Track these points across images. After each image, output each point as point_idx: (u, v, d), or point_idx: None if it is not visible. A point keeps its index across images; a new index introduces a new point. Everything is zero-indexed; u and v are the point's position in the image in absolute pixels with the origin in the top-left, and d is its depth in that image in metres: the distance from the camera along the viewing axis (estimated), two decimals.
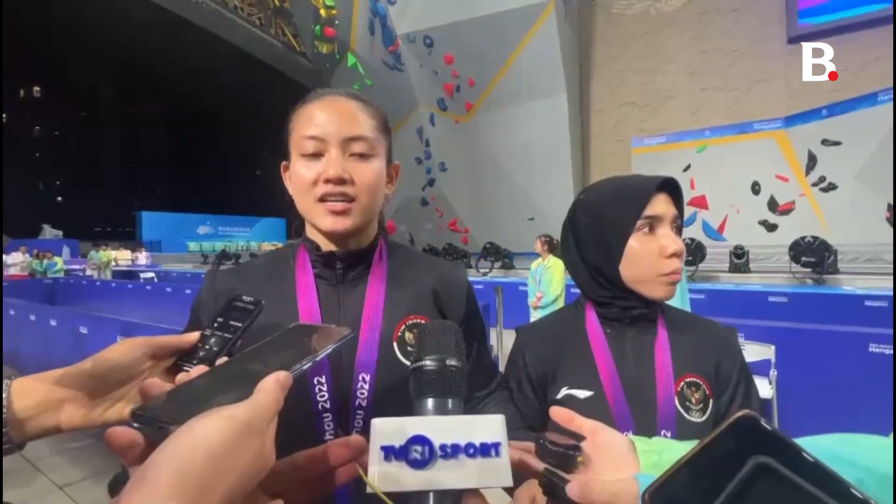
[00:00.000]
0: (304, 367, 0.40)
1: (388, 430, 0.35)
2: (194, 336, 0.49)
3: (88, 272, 13.86)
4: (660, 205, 0.74)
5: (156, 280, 11.87)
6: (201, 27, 18.53)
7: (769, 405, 2.78)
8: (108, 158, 41.39)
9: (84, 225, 32.73)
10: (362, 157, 0.69)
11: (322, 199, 0.68)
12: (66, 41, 35.49)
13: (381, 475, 0.33)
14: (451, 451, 0.34)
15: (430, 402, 0.38)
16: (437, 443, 0.34)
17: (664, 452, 0.45)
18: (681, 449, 0.46)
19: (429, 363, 0.40)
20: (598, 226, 0.78)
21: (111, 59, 38.23)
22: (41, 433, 0.41)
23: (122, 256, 17.52)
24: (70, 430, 0.42)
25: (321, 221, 0.69)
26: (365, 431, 0.66)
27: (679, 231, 0.76)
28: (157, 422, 0.32)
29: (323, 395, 0.68)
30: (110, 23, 33.09)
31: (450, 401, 0.39)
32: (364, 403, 0.68)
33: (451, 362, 0.40)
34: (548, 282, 4.52)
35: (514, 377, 0.85)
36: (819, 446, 0.35)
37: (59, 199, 40.27)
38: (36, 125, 38.21)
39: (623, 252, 0.74)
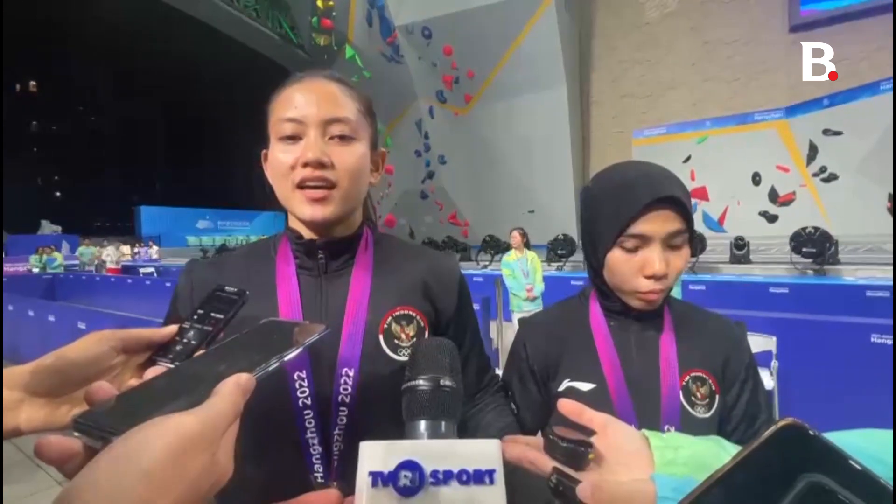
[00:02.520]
0: (271, 368, 0.37)
1: (377, 454, 0.32)
2: (171, 329, 0.45)
3: (86, 268, 13.82)
4: (649, 223, 0.67)
5: (155, 275, 11.86)
6: (198, 20, 18.38)
7: (770, 396, 2.77)
8: (106, 153, 41.27)
9: (83, 220, 32.68)
10: (343, 139, 0.65)
11: (301, 186, 0.64)
12: (63, 36, 35.23)
13: (369, 503, 0.31)
14: (443, 478, 0.32)
15: (422, 425, 0.37)
16: (428, 469, 0.32)
17: (680, 449, 0.42)
18: (698, 446, 0.43)
19: (422, 383, 0.39)
20: (588, 226, 0.76)
21: (108, 54, 38.02)
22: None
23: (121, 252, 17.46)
24: (32, 432, 0.38)
25: (300, 210, 0.65)
26: (348, 429, 0.65)
27: (683, 245, 0.70)
28: (98, 431, 0.29)
29: (304, 392, 0.64)
30: (107, 17, 32.84)
31: (443, 423, 0.37)
32: (347, 400, 0.65)
33: (446, 382, 0.39)
34: (533, 273, 4.56)
35: (516, 369, 0.83)
36: (847, 443, 0.32)
37: (58, 194, 40.19)
38: (34, 120, 38.04)
39: (605, 261, 0.72)
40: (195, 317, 0.47)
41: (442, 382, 0.39)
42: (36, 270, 12.38)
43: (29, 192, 35.78)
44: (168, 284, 8.47)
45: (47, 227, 22.43)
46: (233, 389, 0.32)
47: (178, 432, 0.27)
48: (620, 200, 0.68)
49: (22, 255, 14.18)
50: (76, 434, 0.29)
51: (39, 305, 5.25)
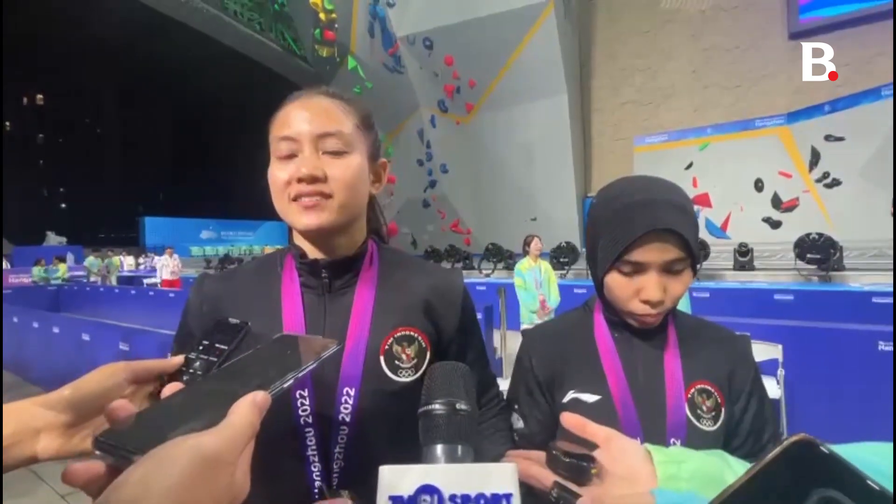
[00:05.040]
0: (286, 385, 0.38)
1: (397, 479, 0.33)
2: (178, 360, 0.47)
3: (92, 278, 13.77)
4: (646, 253, 0.66)
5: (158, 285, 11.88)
6: (202, 32, 18.61)
7: (777, 405, 2.73)
8: (111, 165, 41.63)
9: (88, 231, 32.88)
10: (337, 153, 0.66)
11: (296, 199, 0.65)
12: (69, 49, 35.72)
13: None
14: (461, 502, 0.33)
15: (439, 449, 0.38)
16: (446, 493, 0.33)
17: (683, 464, 0.43)
18: (702, 461, 0.43)
19: (438, 407, 0.39)
20: (589, 245, 0.77)
21: (113, 66, 38.50)
22: (17, 464, 0.39)
23: (126, 262, 17.52)
24: (47, 460, 0.40)
25: (296, 220, 0.66)
26: (348, 447, 0.65)
27: (684, 270, 0.69)
28: (120, 450, 0.30)
29: (305, 409, 0.65)
30: (112, 30, 33.29)
31: (459, 447, 0.38)
32: (348, 419, 0.65)
33: (461, 406, 0.40)
34: (547, 284, 4.38)
35: (521, 381, 0.83)
36: (853, 457, 0.32)
37: (63, 205, 40.49)
38: (39, 132, 38.46)
39: (603, 281, 0.73)
40: (200, 347, 0.48)
41: (458, 406, 0.39)
42: (37, 281, 12.40)
43: (35, 204, 36.08)
44: (172, 295, 8.50)
45: (53, 239, 22.57)
46: (249, 409, 0.32)
47: (198, 453, 0.27)
48: (618, 227, 0.68)
49: (27, 267, 14.26)
50: (97, 452, 0.30)
51: (44, 317, 5.26)
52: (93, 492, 0.30)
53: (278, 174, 0.66)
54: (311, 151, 0.65)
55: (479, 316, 4.27)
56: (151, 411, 0.36)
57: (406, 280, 0.76)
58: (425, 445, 0.38)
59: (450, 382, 0.42)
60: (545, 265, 4.48)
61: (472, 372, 0.78)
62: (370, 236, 0.78)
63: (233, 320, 0.52)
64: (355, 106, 0.72)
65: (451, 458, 0.37)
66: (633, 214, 0.67)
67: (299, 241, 0.72)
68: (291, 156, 0.66)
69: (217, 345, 0.49)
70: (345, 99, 0.71)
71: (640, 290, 0.68)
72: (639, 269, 0.68)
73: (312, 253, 0.71)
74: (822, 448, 0.22)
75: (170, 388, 0.40)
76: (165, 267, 10.48)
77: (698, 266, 0.71)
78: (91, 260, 13.95)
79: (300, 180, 0.64)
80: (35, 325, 5.11)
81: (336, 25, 15.95)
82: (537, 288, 4.34)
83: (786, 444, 0.23)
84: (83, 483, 0.30)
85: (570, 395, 0.75)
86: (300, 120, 0.65)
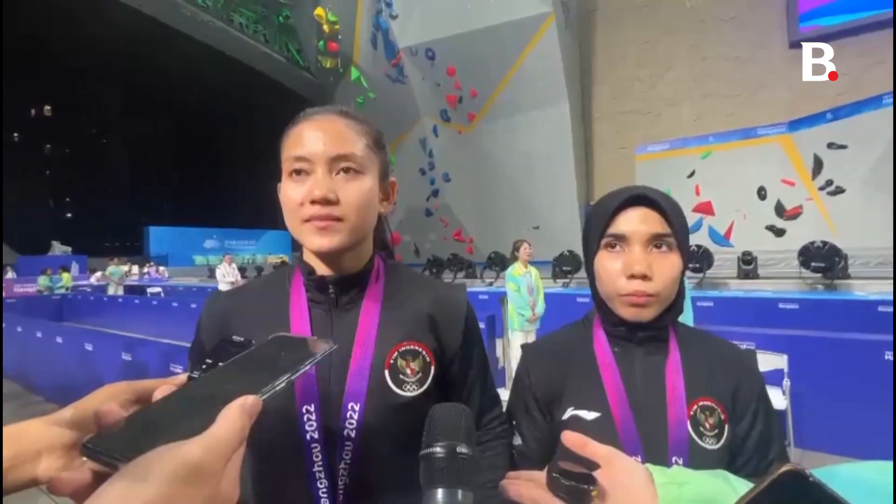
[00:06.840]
0: (278, 388, 0.38)
1: None
2: (181, 379, 0.47)
3: (111, 289, 13.57)
4: (627, 223, 0.70)
5: (162, 294, 11.91)
6: (208, 45, 18.85)
7: (783, 417, 2.70)
8: (116, 175, 41.96)
9: (92, 241, 33.03)
10: (350, 175, 0.66)
11: (309, 220, 0.65)
12: (75, 60, 36.19)
13: None
14: None
15: (439, 494, 0.38)
16: None
17: (685, 486, 0.42)
18: (704, 482, 0.43)
19: (438, 450, 0.40)
20: (583, 239, 0.79)
21: (119, 78, 38.96)
22: (18, 486, 0.38)
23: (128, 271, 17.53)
24: (48, 482, 0.39)
25: (308, 241, 0.66)
26: (353, 463, 0.65)
27: (670, 250, 0.70)
28: (105, 456, 0.30)
29: (312, 425, 0.65)
30: (118, 42, 33.73)
31: (460, 492, 0.38)
32: (353, 434, 0.66)
33: (462, 450, 0.40)
34: (536, 291, 4.33)
35: (519, 397, 0.82)
36: (862, 477, 0.32)
37: (69, 215, 40.75)
38: (46, 143, 38.86)
39: (594, 267, 0.74)
40: (203, 367, 0.47)
41: (458, 450, 0.39)
42: (42, 290, 12.40)
43: (41, 214, 36.30)
44: (175, 304, 8.51)
45: (57, 248, 22.68)
46: (237, 414, 0.32)
47: (180, 463, 0.27)
48: (603, 205, 0.73)
49: (32, 277, 14.31)
50: (84, 458, 0.30)
51: (47, 327, 5.27)
52: (78, 499, 0.30)
53: (291, 194, 0.66)
54: (325, 173, 0.65)
55: (482, 325, 4.24)
56: (140, 416, 0.35)
57: (410, 296, 0.76)
58: (426, 489, 0.38)
59: (450, 425, 0.42)
60: (535, 271, 4.43)
61: (473, 391, 0.79)
62: (377, 252, 0.79)
63: (237, 338, 0.51)
64: (368, 126, 0.72)
65: (452, 502, 0.37)
66: (617, 193, 0.73)
67: (309, 257, 0.73)
68: (305, 175, 0.66)
69: (220, 364, 0.48)
70: (358, 119, 0.71)
71: (626, 265, 0.69)
72: (623, 242, 0.70)
73: (321, 269, 0.72)
74: (810, 479, 0.23)
75: (161, 392, 0.39)
76: (225, 277, 9.05)
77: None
78: (112, 269, 13.71)
79: (313, 202, 0.64)
80: (38, 334, 5.12)
81: (339, 37, 16.13)
82: (529, 294, 4.29)
83: (775, 474, 0.24)
84: (70, 492, 0.30)
85: (570, 412, 0.74)
86: (314, 140, 0.65)
